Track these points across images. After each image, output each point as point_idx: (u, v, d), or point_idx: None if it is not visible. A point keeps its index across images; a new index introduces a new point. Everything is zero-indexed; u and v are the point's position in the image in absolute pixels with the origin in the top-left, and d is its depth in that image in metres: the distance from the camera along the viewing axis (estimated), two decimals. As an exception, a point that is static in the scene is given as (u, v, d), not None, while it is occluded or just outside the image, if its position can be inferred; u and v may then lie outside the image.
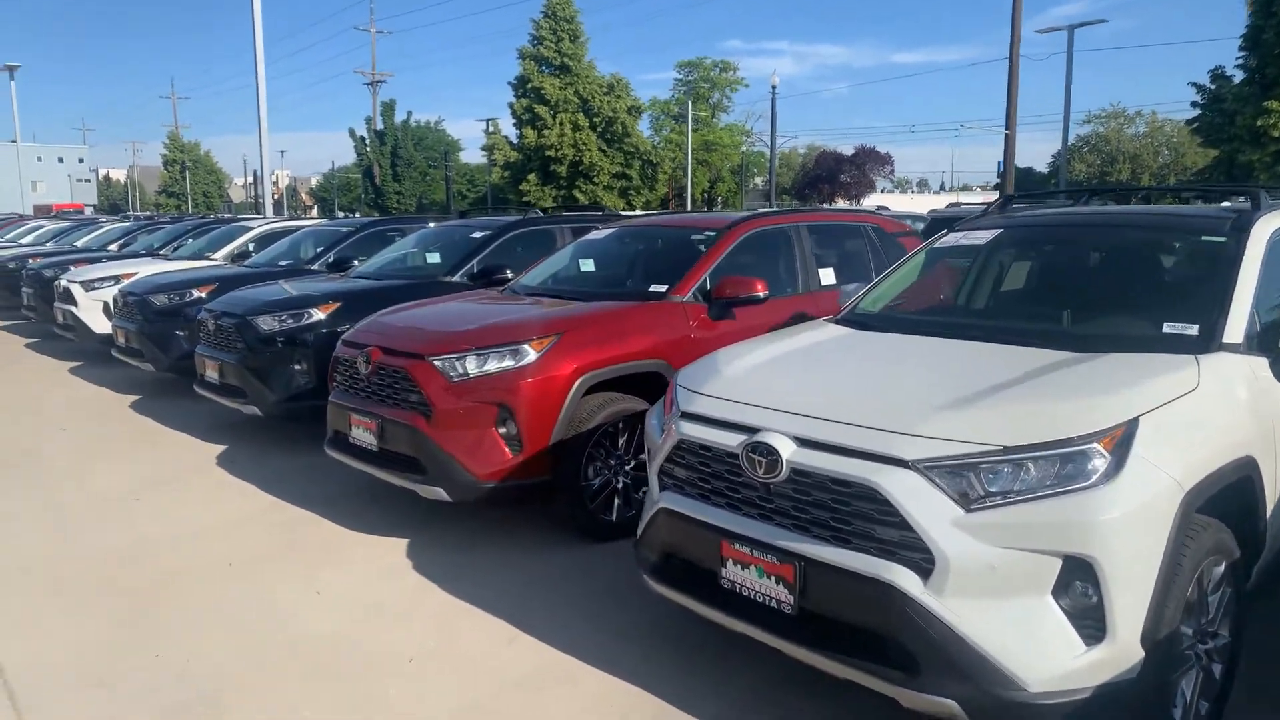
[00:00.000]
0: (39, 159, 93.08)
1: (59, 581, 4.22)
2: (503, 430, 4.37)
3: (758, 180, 72.45)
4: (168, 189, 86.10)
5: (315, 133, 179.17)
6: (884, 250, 6.40)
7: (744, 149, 67.72)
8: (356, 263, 8.90)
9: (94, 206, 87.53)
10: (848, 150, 68.99)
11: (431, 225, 8.71)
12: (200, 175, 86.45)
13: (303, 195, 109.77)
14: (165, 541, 4.74)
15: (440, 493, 4.39)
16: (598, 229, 6.64)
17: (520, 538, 4.73)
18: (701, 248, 5.44)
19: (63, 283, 10.75)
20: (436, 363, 4.44)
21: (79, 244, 17.17)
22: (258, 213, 61.86)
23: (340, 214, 65.85)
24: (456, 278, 7.09)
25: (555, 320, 4.66)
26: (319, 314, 6.44)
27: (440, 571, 4.30)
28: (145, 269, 10.53)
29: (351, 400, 4.89)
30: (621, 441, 4.71)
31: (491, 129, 48.66)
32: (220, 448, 6.66)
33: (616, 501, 4.69)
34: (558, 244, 7.76)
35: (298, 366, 6.38)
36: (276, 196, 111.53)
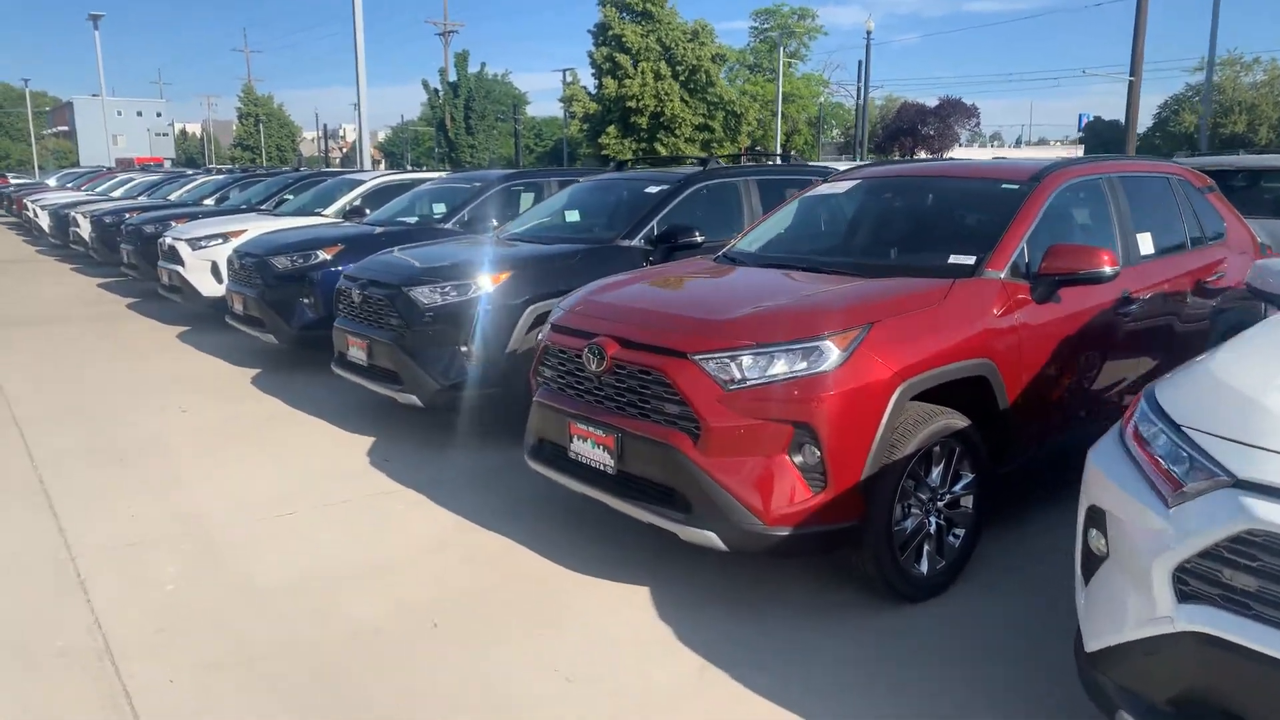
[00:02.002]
0: (119, 113, 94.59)
1: (223, 635, 3.24)
2: (799, 458, 3.22)
3: (834, 132, 69.74)
4: (242, 142, 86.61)
5: (381, 87, 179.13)
6: (1195, 208, 5.04)
7: (821, 100, 65.07)
8: (494, 222, 7.85)
9: (172, 160, 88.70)
10: (930, 102, 65.96)
11: (583, 180, 7.54)
12: (273, 129, 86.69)
13: (372, 149, 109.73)
14: (340, 579, 3.74)
15: (712, 538, 3.27)
16: (816, 181, 5.39)
17: (791, 587, 3.61)
18: (1003, 205, 4.17)
19: (167, 240, 9.92)
20: (705, 363, 3.30)
21: (172, 198, 16.53)
22: (326, 166, 61.85)
23: (410, 168, 65.32)
24: (635, 241, 5.94)
25: (855, 306, 3.46)
26: (489, 285, 5.35)
27: (715, 642, 3.21)
28: (255, 226, 9.64)
29: (571, 404, 3.79)
30: (937, 470, 3.53)
31: (570, 79, 47.16)
32: (368, 439, 5.67)
33: (926, 549, 3.53)
34: (742, 199, 6.57)
35: (464, 349, 5.32)
36: (345, 150, 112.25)
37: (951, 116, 65.59)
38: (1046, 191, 4.13)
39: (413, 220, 8.65)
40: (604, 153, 42.61)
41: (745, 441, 3.22)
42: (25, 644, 3.21)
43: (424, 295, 5.37)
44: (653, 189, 6.36)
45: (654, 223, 6.02)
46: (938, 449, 3.49)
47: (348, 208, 10.07)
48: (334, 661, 3.12)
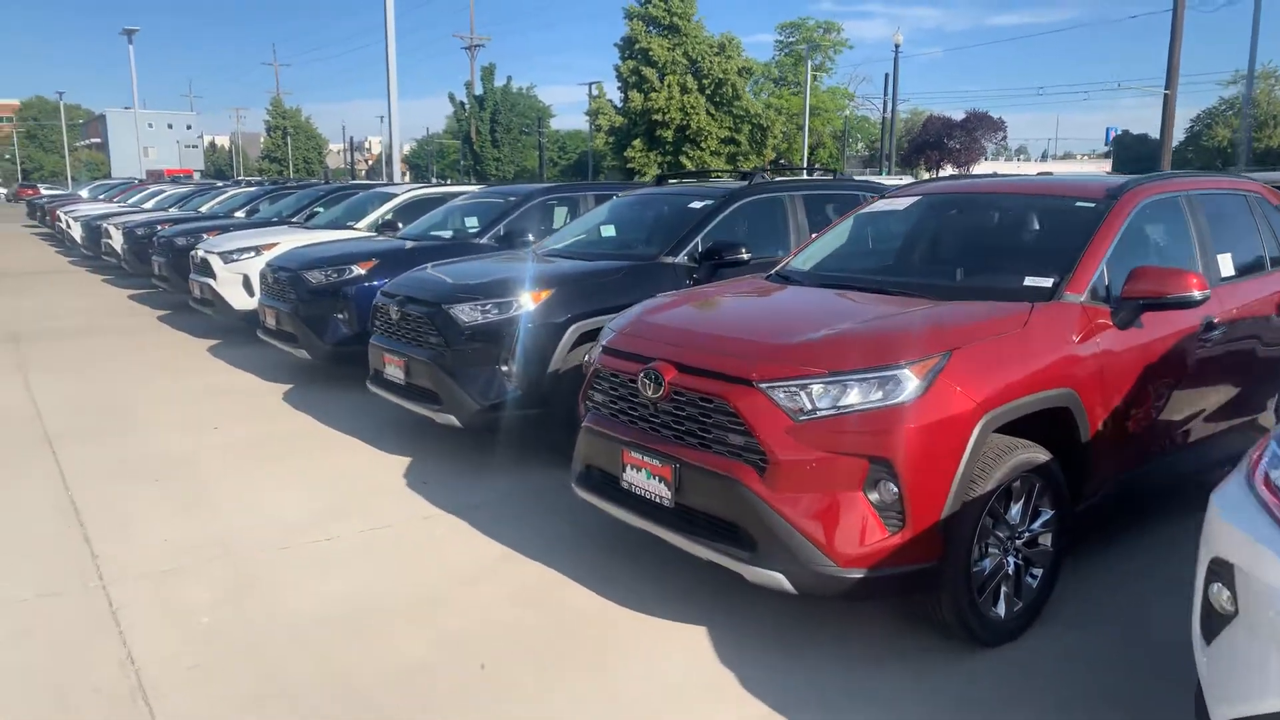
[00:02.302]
0: (150, 125, 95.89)
1: (261, 671, 3.07)
2: (874, 495, 3.01)
3: (859, 146, 69.41)
4: (270, 154, 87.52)
5: (407, 100, 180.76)
6: (1274, 227, 4.80)
7: (846, 113, 64.87)
8: (530, 237, 7.71)
9: (201, 172, 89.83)
10: (956, 115, 65.61)
11: (622, 195, 7.37)
12: (301, 141, 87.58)
13: (399, 163, 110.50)
14: (383, 611, 3.56)
15: (779, 580, 3.07)
16: (871, 197, 5.19)
17: (857, 628, 3.40)
18: (1078, 224, 3.96)
19: (200, 253, 9.86)
20: (773, 391, 3.10)
21: (203, 209, 16.58)
22: (352, 178, 62.25)
23: (435, 181, 65.56)
24: (679, 258, 5.76)
25: (933, 332, 3.26)
26: (530, 303, 5.20)
27: (781, 688, 3.00)
28: (287, 239, 9.55)
29: (624, 431, 3.60)
30: (1016, 507, 3.31)
31: (596, 92, 47.25)
32: (404, 459, 5.51)
33: (1004, 590, 3.31)
34: (788, 215, 6.38)
35: (505, 368, 5.16)
36: (371, 162, 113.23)
37: (978, 130, 65.22)
38: (1125, 210, 3.91)
39: (447, 235, 8.53)
40: (629, 166, 42.59)
41: (816, 476, 3.02)
42: (59, 683, 3.06)
43: (464, 313, 5.22)
44: (696, 204, 6.18)
45: (698, 239, 5.84)
46: (1017, 484, 3.27)
47: (380, 222, 9.98)
48: (381, 702, 2.95)
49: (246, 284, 9.41)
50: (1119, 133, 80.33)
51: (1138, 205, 3.98)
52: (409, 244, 7.98)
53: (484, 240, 7.85)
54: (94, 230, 17.74)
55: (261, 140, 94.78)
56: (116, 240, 15.36)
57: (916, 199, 4.74)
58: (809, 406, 3.06)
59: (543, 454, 5.43)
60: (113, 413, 6.67)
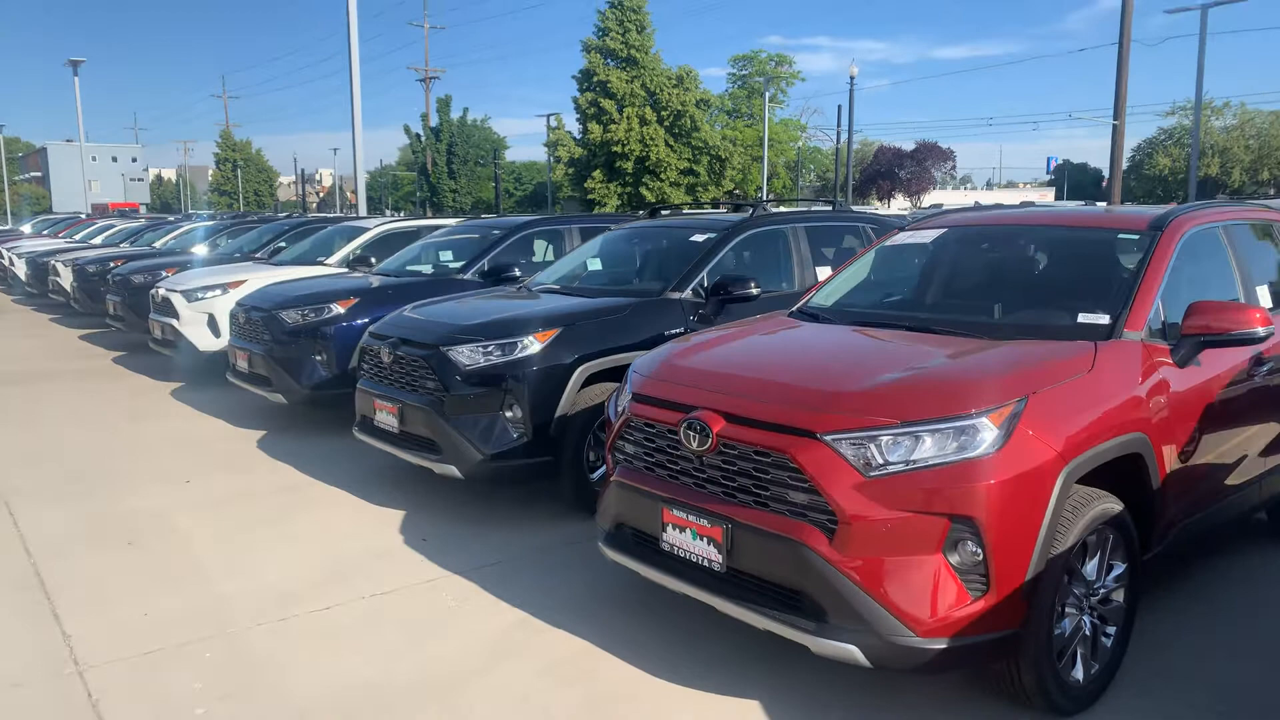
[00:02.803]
0: (94, 159, 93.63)
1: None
2: (955, 557, 2.76)
3: (810, 176, 70.30)
4: (219, 187, 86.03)
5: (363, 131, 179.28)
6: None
7: (799, 144, 65.74)
8: (516, 271, 7.41)
9: (147, 205, 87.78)
10: (906, 145, 66.99)
11: (617, 228, 7.12)
12: (251, 174, 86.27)
13: (349, 194, 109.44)
14: (395, 695, 3.21)
15: (853, 653, 2.79)
16: (900, 231, 4.98)
17: (921, 696, 3.13)
18: (1124, 257, 3.81)
19: (161, 292, 9.38)
20: (839, 444, 2.85)
21: (158, 245, 15.98)
22: (304, 211, 61.24)
23: (389, 213, 64.80)
24: (685, 293, 5.52)
25: (1005, 376, 3.03)
26: (535, 343, 4.90)
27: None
28: (255, 277, 9.13)
29: (663, 486, 3.31)
30: (1092, 563, 3.08)
31: (555, 124, 47.20)
32: (398, 513, 5.15)
33: (1080, 653, 3.07)
34: (791, 247, 6.20)
35: (509, 414, 4.85)
36: (323, 195, 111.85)
37: (927, 160, 66.60)
38: (1172, 241, 3.75)
39: (428, 270, 8.21)
40: (589, 197, 42.53)
41: (891, 538, 2.76)
42: (34, 797, 2.66)
43: (465, 355, 4.90)
44: (699, 237, 5.96)
45: (704, 273, 5.61)
46: (1092, 538, 3.05)
47: (352, 256, 9.62)
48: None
49: (212, 324, 8.96)
50: (1059, 162, 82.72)
51: (1183, 236, 3.83)
52: (389, 280, 7.63)
53: (468, 276, 7.54)
54: (40, 267, 16.99)
55: (210, 173, 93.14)
56: (65, 278, 14.69)
57: (943, 231, 4.56)
58: (879, 460, 2.81)
59: (547, 505, 5.12)
60: (73, 467, 6.19)
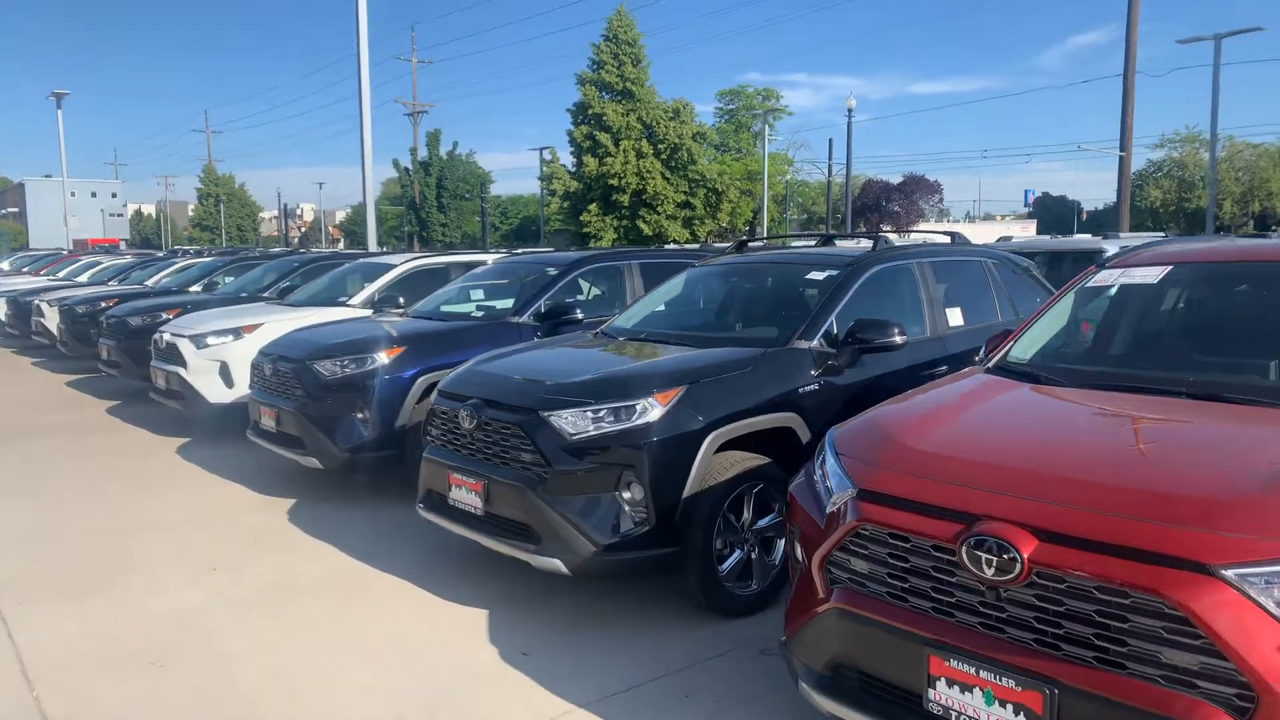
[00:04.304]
0: (73, 194, 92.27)
1: None
2: None
3: (795, 210, 70.13)
4: (201, 222, 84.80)
5: (341, 166, 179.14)
6: None
7: (787, 178, 65.64)
8: (579, 313, 6.56)
9: (126, 240, 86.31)
10: (894, 178, 67.15)
11: (704, 265, 6.27)
12: (234, 208, 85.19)
13: (331, 229, 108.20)
14: None
15: None
16: (1100, 269, 4.12)
17: None
18: None
19: (165, 337, 8.43)
20: (1247, 583, 1.97)
21: (150, 283, 14.98)
22: (286, 245, 60.13)
23: (377, 248, 63.74)
24: (814, 342, 4.65)
25: None
26: (657, 406, 4.01)
27: None
28: (273, 320, 8.22)
29: (931, 626, 2.41)
30: None
31: (549, 157, 46.60)
32: (479, 613, 4.21)
33: None
34: (919, 286, 5.39)
35: (627, 494, 3.94)
36: (304, 229, 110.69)
37: (915, 193, 66.79)
38: None
39: (473, 312, 7.31)
40: (585, 230, 41.85)
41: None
42: None
43: (568, 421, 3.98)
44: (818, 274, 5.12)
45: (833, 318, 4.76)
46: None
47: (376, 297, 8.71)
48: None
49: (224, 373, 8.01)
50: (1039, 194, 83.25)
51: None
52: (435, 325, 6.74)
53: (524, 319, 6.66)
54: (22, 307, 15.92)
55: (190, 208, 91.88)
56: (51, 319, 13.65)
57: (1168, 269, 3.73)
58: (1299, 605, 1.94)
59: (660, 599, 4.21)
60: (74, 550, 5.21)
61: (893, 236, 8.50)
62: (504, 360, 4.84)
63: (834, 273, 5.05)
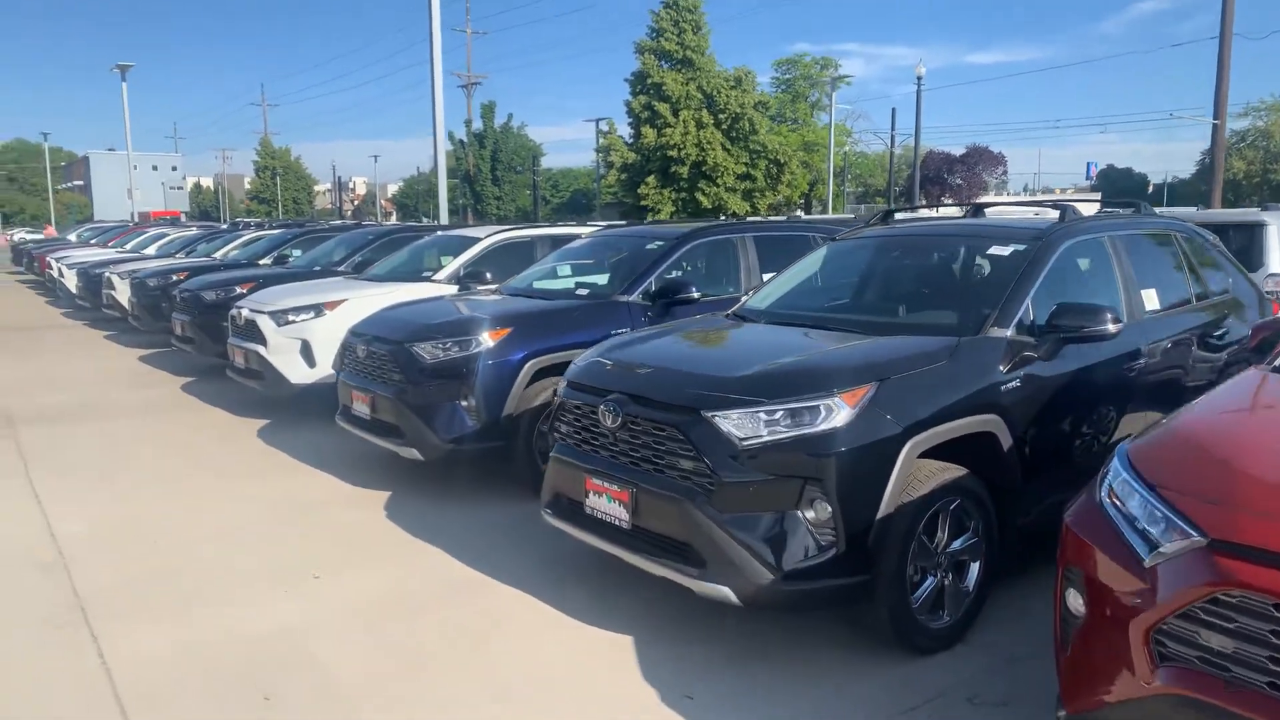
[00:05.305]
0: (135, 167, 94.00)
1: None
2: None
3: (852, 182, 68.36)
4: (258, 195, 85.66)
5: (394, 140, 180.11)
6: None
7: (845, 149, 63.97)
8: (695, 292, 5.94)
9: (186, 213, 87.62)
10: (956, 150, 65.21)
11: (845, 237, 5.58)
12: (290, 181, 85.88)
13: (384, 202, 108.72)
14: None
15: None
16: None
17: None
18: None
19: (244, 313, 7.99)
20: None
21: (218, 256, 14.71)
22: (340, 218, 60.28)
23: (426, 220, 63.69)
24: (1007, 330, 3.94)
25: None
26: (844, 408, 3.36)
27: None
28: (356, 296, 7.74)
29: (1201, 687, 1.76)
30: None
31: (606, 129, 45.71)
32: (623, 639, 3.64)
33: None
34: (1113, 263, 4.66)
35: (809, 515, 3.31)
36: (357, 202, 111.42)
37: (979, 164, 64.76)
38: None
39: (572, 289, 6.72)
40: (643, 204, 41.05)
41: None
42: None
43: (736, 425, 3.36)
44: (1001, 250, 4.39)
45: (1028, 301, 4.05)
46: None
47: (462, 272, 8.17)
48: None
49: (306, 352, 7.55)
50: (1102, 167, 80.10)
51: None
52: (537, 304, 6.15)
53: (633, 298, 6.05)
54: (93, 280, 15.80)
55: (247, 181, 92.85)
56: (122, 292, 13.43)
57: None
58: None
59: (831, 631, 3.59)
60: (161, 556, 4.75)
61: (954, 209, 7.69)
62: (642, 346, 4.23)
63: (1021, 247, 4.33)
